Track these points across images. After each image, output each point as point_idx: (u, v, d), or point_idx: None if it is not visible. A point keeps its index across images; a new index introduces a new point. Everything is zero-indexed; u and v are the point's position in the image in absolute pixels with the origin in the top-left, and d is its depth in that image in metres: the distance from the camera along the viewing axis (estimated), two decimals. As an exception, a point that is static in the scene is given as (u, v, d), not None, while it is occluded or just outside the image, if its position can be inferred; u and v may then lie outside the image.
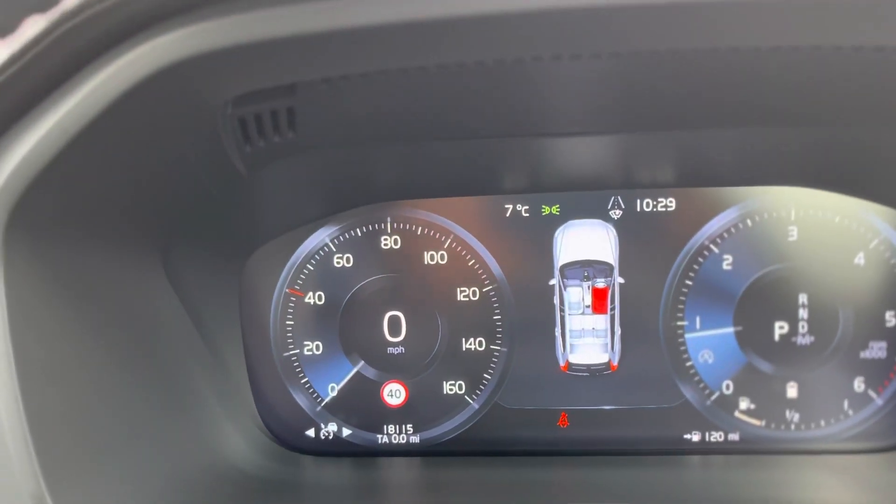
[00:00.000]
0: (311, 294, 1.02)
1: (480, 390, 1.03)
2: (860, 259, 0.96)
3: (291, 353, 1.03)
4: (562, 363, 1.01)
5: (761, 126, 0.81)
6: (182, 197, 0.79)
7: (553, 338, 1.01)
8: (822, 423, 0.99)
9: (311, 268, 1.02)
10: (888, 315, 0.97)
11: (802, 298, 0.98)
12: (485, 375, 1.02)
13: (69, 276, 0.68)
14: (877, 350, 0.97)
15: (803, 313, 0.98)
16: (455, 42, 0.55)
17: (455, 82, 0.66)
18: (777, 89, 0.71)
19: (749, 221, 0.98)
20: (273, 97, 0.63)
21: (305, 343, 1.03)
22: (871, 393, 0.98)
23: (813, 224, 0.97)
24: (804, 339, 0.98)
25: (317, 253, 1.02)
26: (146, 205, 0.75)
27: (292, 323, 1.03)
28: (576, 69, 0.66)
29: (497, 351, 1.02)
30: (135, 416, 0.78)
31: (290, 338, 1.03)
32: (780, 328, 0.98)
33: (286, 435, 1.04)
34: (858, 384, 0.98)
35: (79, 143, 0.55)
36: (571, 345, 1.01)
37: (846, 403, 0.98)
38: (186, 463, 0.86)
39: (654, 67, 0.65)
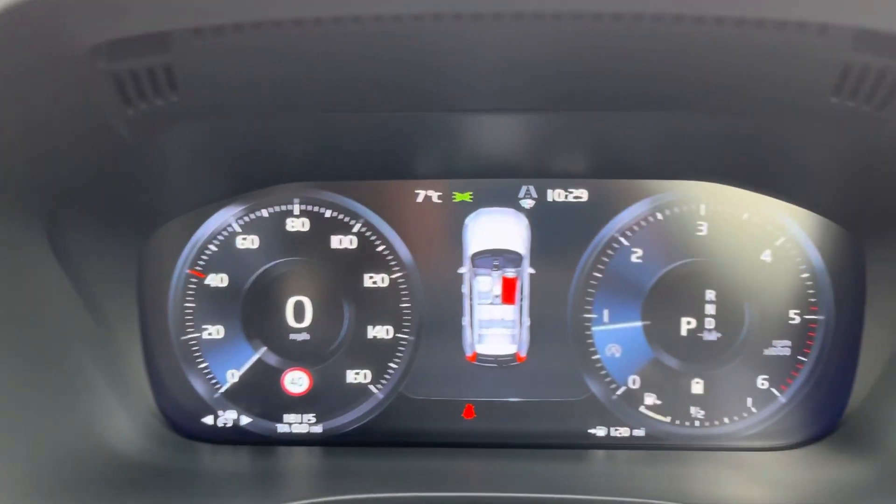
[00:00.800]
0: (213, 276, 0.99)
1: (386, 380, 1.00)
2: (767, 256, 0.97)
3: (190, 336, 0.99)
4: (469, 354, 1.00)
5: (672, 111, 0.80)
6: (64, 163, 0.75)
7: (461, 327, 0.99)
8: (727, 420, 0.99)
9: (214, 248, 0.98)
10: (792, 313, 0.97)
11: (710, 294, 0.98)
12: (391, 364, 1.00)
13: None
14: (780, 348, 0.98)
15: (710, 309, 0.98)
16: None
17: (352, 45, 0.64)
18: (686, 71, 0.70)
19: (659, 215, 0.98)
20: (146, 51, 0.60)
21: (205, 327, 0.99)
22: (775, 391, 0.98)
23: (722, 220, 0.97)
24: (710, 335, 0.98)
25: (220, 233, 0.98)
26: (21, 167, 0.71)
27: (193, 305, 0.99)
28: (488, 39, 0.64)
29: (404, 340, 0.99)
30: (7, 398, 0.74)
31: (189, 321, 0.99)
32: (688, 323, 0.98)
33: (182, 422, 1.00)
34: (762, 382, 0.98)
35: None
36: (479, 335, 0.99)
37: (750, 401, 0.99)
38: (68, 448, 0.82)
39: (565, 43, 0.64)
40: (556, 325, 0.99)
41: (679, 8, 0.54)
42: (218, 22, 0.55)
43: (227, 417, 1.01)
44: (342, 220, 0.98)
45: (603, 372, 0.99)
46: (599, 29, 0.61)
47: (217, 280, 0.99)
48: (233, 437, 1.00)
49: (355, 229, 0.98)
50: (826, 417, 0.97)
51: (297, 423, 1.01)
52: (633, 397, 0.99)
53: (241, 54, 0.63)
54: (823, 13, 0.55)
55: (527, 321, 0.99)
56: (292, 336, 0.99)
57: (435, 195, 0.98)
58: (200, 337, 0.99)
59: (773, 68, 0.65)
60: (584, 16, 0.56)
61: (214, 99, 0.71)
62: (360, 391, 1.00)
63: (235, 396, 1.00)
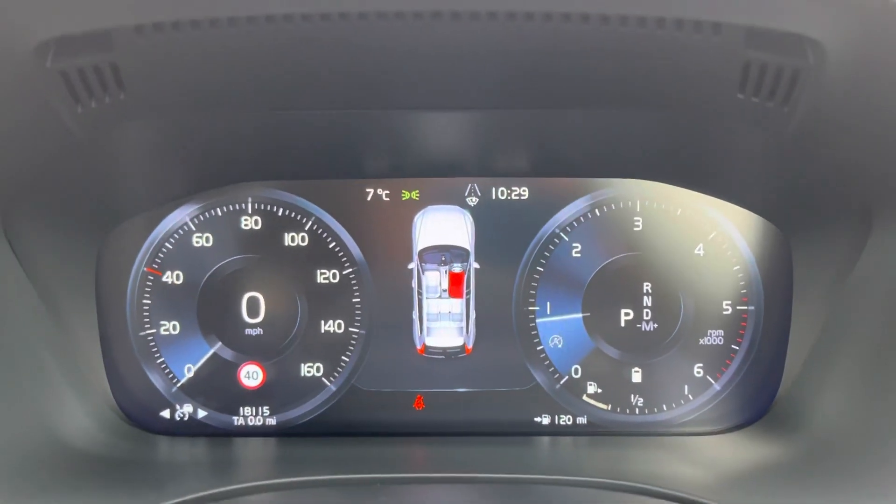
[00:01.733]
0: (169, 273, 1.02)
1: (338, 373, 1.03)
2: (700, 250, 1.02)
3: (147, 332, 1.02)
4: (418, 346, 1.03)
5: (599, 108, 0.84)
6: (15, 161, 0.78)
7: (411, 321, 1.03)
8: (665, 407, 1.03)
9: (170, 246, 1.02)
10: (725, 304, 1.02)
11: (647, 287, 1.02)
12: (343, 358, 1.03)
13: None
14: (715, 337, 1.02)
15: (647, 301, 1.02)
16: None
17: (295, 43, 0.67)
18: (606, 70, 0.74)
19: (597, 211, 1.02)
20: (89, 49, 0.64)
21: (162, 323, 1.02)
22: (710, 378, 1.03)
23: (657, 216, 1.02)
24: (648, 326, 1.02)
25: (176, 231, 1.02)
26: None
27: (149, 302, 1.02)
28: (431, 38, 0.68)
29: (356, 333, 1.03)
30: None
31: (146, 317, 1.02)
32: (626, 315, 1.03)
33: (140, 415, 1.02)
34: (697, 370, 1.03)
35: None
36: (428, 328, 1.03)
37: (686, 388, 1.03)
38: (26, 442, 0.84)
39: (501, 42, 0.68)
40: (501, 318, 1.03)
41: (583, 7, 0.59)
42: (156, 19, 0.59)
43: (185, 411, 1.03)
44: (294, 218, 1.02)
45: (546, 362, 1.03)
46: (528, 29, 0.65)
47: (173, 277, 1.02)
48: (190, 429, 1.03)
49: (307, 227, 1.02)
50: (758, 403, 1.01)
51: (252, 416, 1.04)
52: (576, 386, 1.04)
53: (184, 52, 0.67)
54: (714, 12, 0.60)
55: (473, 314, 1.03)
56: (247, 331, 1.03)
57: (384, 193, 1.02)
58: (157, 333, 1.02)
59: (681, 66, 0.70)
60: (498, 15, 0.61)
61: (161, 97, 0.75)
62: (314, 384, 1.03)
63: (192, 390, 1.03)
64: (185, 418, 1.03)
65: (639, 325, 1.02)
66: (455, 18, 0.62)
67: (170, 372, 1.03)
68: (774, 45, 0.64)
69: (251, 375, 1.03)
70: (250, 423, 1.04)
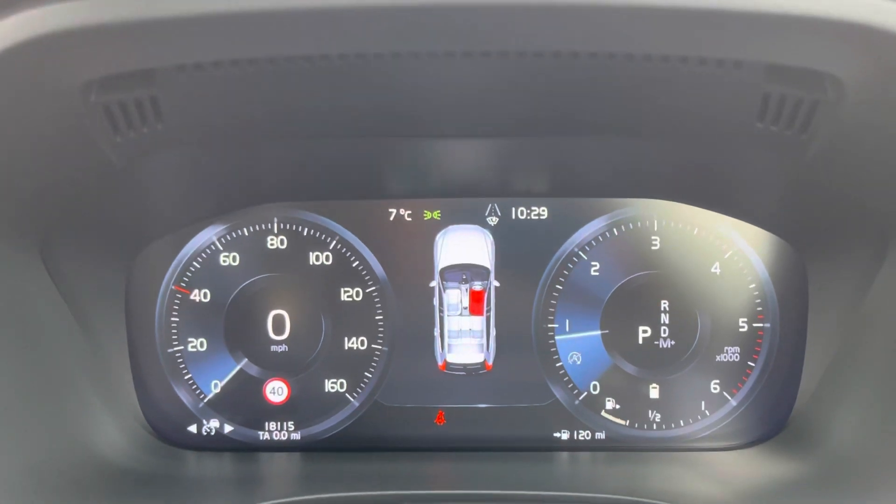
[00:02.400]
0: (196, 291, 1.04)
1: (361, 388, 1.06)
2: (716, 268, 1.04)
3: (176, 349, 1.05)
4: (440, 362, 1.05)
5: (626, 138, 0.87)
6: (57, 188, 0.80)
7: (432, 338, 1.05)
8: (682, 422, 1.05)
9: (198, 265, 1.04)
10: (741, 322, 1.04)
11: (664, 304, 1.04)
12: (366, 374, 1.05)
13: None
14: (731, 354, 1.04)
15: (665, 318, 1.04)
16: (313, 34, 0.59)
17: (327, 79, 0.70)
18: (628, 102, 0.77)
19: (616, 231, 1.04)
20: (132, 85, 0.66)
21: (190, 340, 1.05)
22: (726, 394, 1.05)
23: (674, 235, 1.04)
24: (665, 343, 1.04)
25: (204, 251, 1.04)
26: (17, 193, 0.77)
27: (177, 320, 1.05)
28: (453, 72, 0.70)
29: (378, 350, 1.05)
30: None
31: (174, 334, 1.05)
32: (644, 332, 1.04)
33: (168, 431, 1.05)
34: (714, 386, 1.04)
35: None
36: (449, 345, 1.05)
37: (703, 404, 1.05)
38: (58, 457, 0.86)
39: (525, 74, 0.71)
40: (521, 335, 1.05)
41: (610, 47, 0.61)
42: (198, 60, 0.62)
43: (211, 426, 1.06)
44: (319, 237, 1.04)
45: (566, 378, 1.05)
46: (550, 65, 0.68)
47: (201, 295, 1.04)
48: (216, 444, 1.05)
49: (331, 246, 1.04)
50: (774, 419, 1.03)
51: (277, 431, 1.06)
52: (595, 402, 1.05)
53: (221, 88, 0.69)
54: (736, 51, 0.62)
55: (494, 331, 1.05)
56: (272, 348, 1.05)
57: (406, 214, 1.05)
58: (185, 349, 1.05)
59: (702, 98, 0.72)
60: (527, 53, 0.63)
61: (196, 127, 0.77)
62: (338, 399, 1.06)
63: (219, 406, 1.06)
64: (212, 433, 1.06)
65: (656, 342, 1.04)
66: (485, 56, 0.64)
67: (197, 388, 1.05)
68: (794, 79, 0.66)
69: (276, 391, 1.06)
70: (275, 438, 1.06)
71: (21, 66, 0.58)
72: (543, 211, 1.04)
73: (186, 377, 1.05)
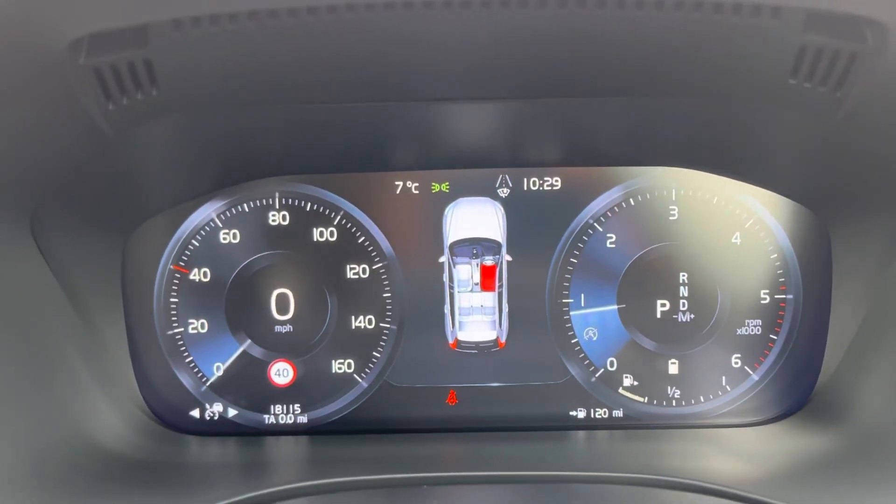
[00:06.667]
0: (196, 271, 1.00)
1: (370, 369, 1.02)
2: (737, 239, 1.00)
3: (175, 331, 1.01)
4: (451, 341, 1.02)
5: (638, 96, 0.82)
6: (46, 159, 0.76)
7: (442, 315, 1.02)
8: (702, 398, 1.02)
9: (197, 244, 1.00)
10: (763, 293, 1.00)
11: (683, 277, 1.01)
12: (374, 354, 1.02)
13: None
14: (752, 327, 1.01)
15: (683, 291, 1.01)
16: None
17: (327, 36, 0.66)
18: (650, 57, 0.72)
19: (632, 201, 1.00)
20: (124, 45, 0.62)
21: (190, 321, 1.01)
22: (748, 369, 1.01)
23: (693, 204, 1.00)
24: (684, 317, 1.01)
25: (202, 228, 1.00)
26: (3, 164, 0.72)
27: (177, 300, 1.00)
28: (458, 27, 0.66)
29: (387, 329, 1.01)
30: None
31: (174, 316, 1.01)
32: (662, 306, 1.01)
33: (169, 415, 1.01)
34: (735, 360, 1.01)
35: None
36: (460, 322, 1.02)
37: (724, 379, 1.01)
38: (56, 443, 0.83)
39: (531, 30, 0.66)
40: (534, 311, 1.01)
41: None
42: (194, 13, 0.57)
43: (214, 410, 1.02)
44: (322, 212, 1.00)
45: (581, 355, 1.02)
46: (565, 15, 0.63)
47: (200, 275, 1.00)
48: (220, 429, 1.02)
49: (336, 221, 1.00)
50: (797, 393, 1.00)
51: (283, 414, 1.02)
52: (612, 379, 1.02)
53: (218, 47, 0.65)
54: (775, -4, 0.58)
55: (506, 307, 1.01)
56: (276, 328, 1.01)
57: (413, 186, 1.00)
58: (185, 331, 1.01)
59: (732, 51, 0.68)
60: (549, 3, 0.58)
61: (193, 92, 0.73)
62: (345, 380, 1.02)
63: (222, 389, 1.02)
64: (215, 417, 1.02)
65: (675, 316, 1.01)
66: (485, 6, 0.60)
67: (199, 371, 1.01)
68: (834, 28, 0.62)
69: (281, 373, 1.02)
70: (281, 422, 1.02)
71: (1, 24, 0.53)
72: (556, 181, 1.00)
73: (187, 360, 1.01)
